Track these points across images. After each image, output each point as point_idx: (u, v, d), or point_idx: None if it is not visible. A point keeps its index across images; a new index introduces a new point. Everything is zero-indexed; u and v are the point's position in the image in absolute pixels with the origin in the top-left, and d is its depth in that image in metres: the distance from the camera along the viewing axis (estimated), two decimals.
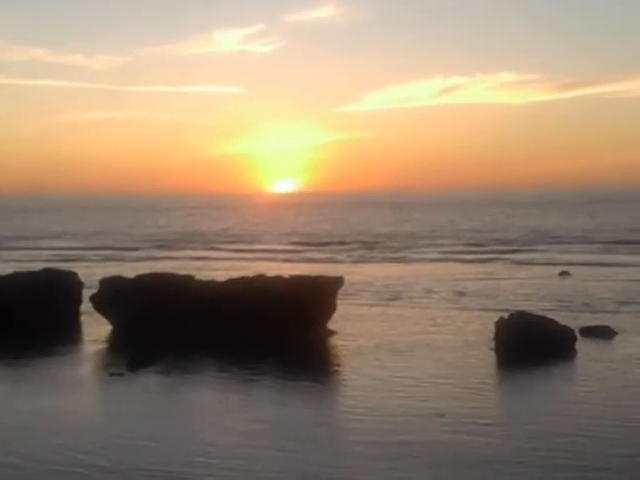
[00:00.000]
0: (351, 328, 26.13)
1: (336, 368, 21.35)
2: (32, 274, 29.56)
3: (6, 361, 22.20)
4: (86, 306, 28.58)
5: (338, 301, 26.97)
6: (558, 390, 18.48)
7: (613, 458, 12.97)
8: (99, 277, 28.78)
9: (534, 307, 27.77)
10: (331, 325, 26.28)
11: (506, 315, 23.18)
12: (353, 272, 40.07)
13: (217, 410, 16.61)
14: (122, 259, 57.65)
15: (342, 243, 73.44)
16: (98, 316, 27.55)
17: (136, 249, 68.80)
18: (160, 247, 71.84)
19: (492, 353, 21.87)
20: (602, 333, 24.52)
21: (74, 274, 30.04)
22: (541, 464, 12.76)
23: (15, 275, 29.40)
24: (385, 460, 13.13)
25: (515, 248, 63.68)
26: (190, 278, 27.86)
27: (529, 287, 37.14)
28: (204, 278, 28.78)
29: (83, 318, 28.63)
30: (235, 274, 28.71)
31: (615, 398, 16.99)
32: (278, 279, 26.79)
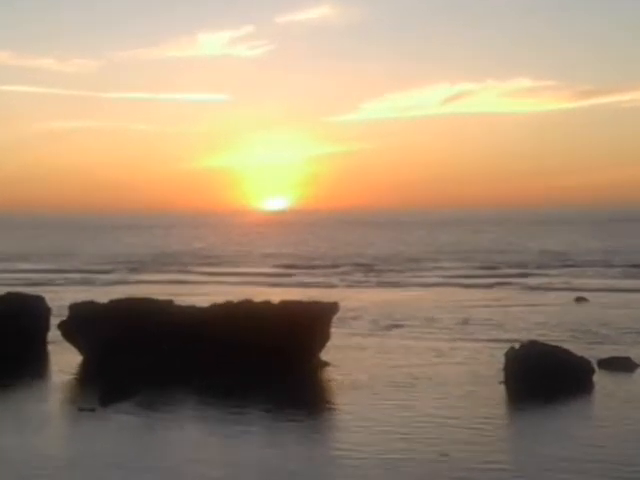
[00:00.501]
0: (346, 359, 26.08)
1: (329, 404, 21.23)
2: None
3: None
4: (54, 334, 28.47)
5: (332, 329, 27.00)
6: (575, 431, 18.32)
7: None
8: (68, 302, 28.65)
9: (547, 336, 27.77)
10: (324, 355, 26.18)
11: (517, 345, 23.13)
12: (348, 297, 39.98)
13: (196, 452, 16.45)
14: (94, 282, 57.48)
15: (336, 266, 73.37)
16: (67, 345, 27.41)
17: (110, 271, 68.68)
18: (136, 269, 71.77)
19: (501, 387, 21.82)
20: (622, 365, 24.51)
21: (41, 299, 29.94)
22: None
23: None
24: None
25: (526, 271, 63.68)
26: (169, 303, 27.79)
27: (542, 314, 37.12)
28: (184, 304, 28.67)
29: (51, 347, 28.55)
30: (219, 299, 28.61)
31: (631, 438, 16.89)
32: (266, 305, 26.73)
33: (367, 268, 69.89)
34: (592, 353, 24.90)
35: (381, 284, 55.75)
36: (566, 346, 24.36)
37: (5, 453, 16.20)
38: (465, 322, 34.32)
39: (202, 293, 44.07)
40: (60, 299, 33.43)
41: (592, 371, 22.76)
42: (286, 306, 26.67)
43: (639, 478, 14.33)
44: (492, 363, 24.27)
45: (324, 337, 26.52)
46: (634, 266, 66.48)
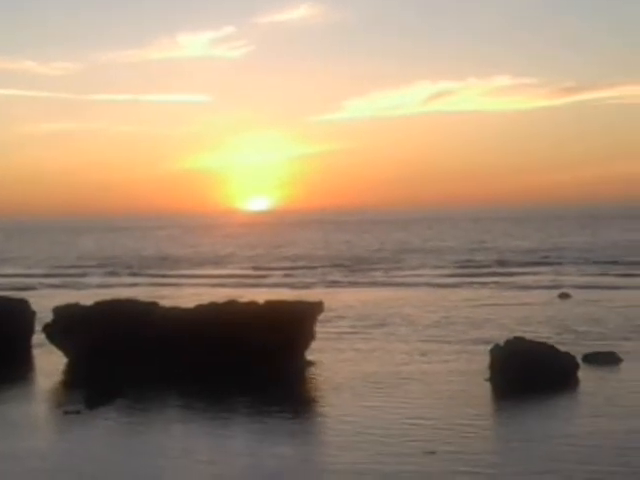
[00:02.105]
0: (331, 359, 26.07)
1: (316, 404, 21.19)
2: None
3: None
4: (38, 337, 28.43)
5: (317, 328, 26.99)
6: (559, 428, 18.21)
7: None
8: (53, 305, 28.51)
9: (532, 333, 27.78)
10: (309, 355, 26.18)
11: (502, 342, 23.13)
12: (331, 297, 39.81)
13: (183, 455, 16.31)
14: (78, 285, 57.31)
15: (320, 266, 73.38)
16: (52, 347, 27.34)
17: (93, 274, 68.57)
18: (120, 272, 71.62)
19: (487, 384, 21.82)
20: (607, 360, 24.58)
21: (25, 302, 29.88)
22: None
23: None
24: None
25: (510, 270, 63.75)
26: (154, 305, 27.70)
27: (526, 311, 37.20)
28: (169, 305, 28.64)
29: (35, 350, 28.48)
30: (203, 300, 28.59)
31: (621, 440, 16.61)
32: (251, 305, 26.70)
33: (352, 267, 69.85)
34: (576, 349, 24.87)
35: (365, 283, 55.62)
36: (551, 342, 24.47)
37: None
38: (449, 320, 34.25)
39: (186, 294, 44.05)
40: (45, 302, 33.21)
41: (577, 366, 22.81)
42: (271, 306, 26.62)
43: (626, 472, 14.28)
44: (477, 361, 24.27)
45: (309, 336, 26.48)
46: (617, 263, 66.78)
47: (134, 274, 68.15)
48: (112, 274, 68.95)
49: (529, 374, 21.66)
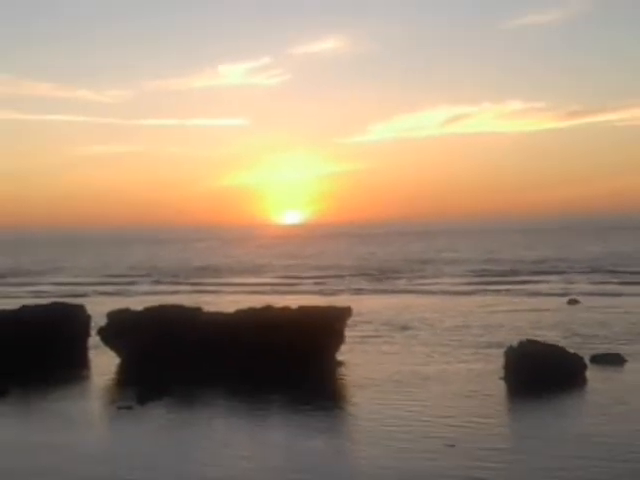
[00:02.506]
0: (359, 360, 26.01)
1: (345, 402, 21.14)
2: (40, 307, 29.55)
3: (17, 396, 22.01)
4: (94, 339, 28.58)
5: (346, 331, 26.98)
6: (569, 423, 18.18)
7: None
8: (106, 310, 28.71)
9: (543, 336, 27.60)
10: (339, 356, 26.20)
11: (515, 344, 23.06)
12: (358, 304, 39.75)
13: (226, 445, 16.40)
14: (127, 293, 57.64)
15: (348, 275, 73.36)
16: (106, 349, 27.51)
17: (140, 282, 68.92)
18: (164, 280, 71.97)
19: (501, 383, 21.74)
20: (612, 361, 24.44)
21: (82, 307, 29.99)
22: None
23: (24, 309, 29.41)
24: None
25: (522, 278, 63.49)
26: (198, 310, 27.83)
27: (537, 316, 36.99)
28: (212, 310, 28.76)
29: (91, 351, 28.60)
30: (242, 305, 28.65)
31: (629, 437, 16.47)
32: (286, 310, 26.75)
33: (373, 277, 69.68)
34: (584, 350, 24.72)
35: (387, 291, 55.41)
36: (560, 344, 24.31)
37: (51, 449, 16.21)
38: (465, 325, 34.13)
39: (226, 301, 44.10)
40: (98, 308, 33.41)
41: (585, 367, 22.67)
42: (303, 311, 26.66)
43: (636, 468, 14.20)
44: (492, 362, 24.17)
45: (339, 339, 26.51)
46: (622, 271, 66.31)
47: (177, 282, 68.25)
48: (157, 282, 69.21)
49: (540, 374, 21.56)
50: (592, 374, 22.45)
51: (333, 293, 53.80)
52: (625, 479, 13.50)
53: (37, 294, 53.24)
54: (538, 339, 24.37)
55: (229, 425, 18.33)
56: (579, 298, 44.48)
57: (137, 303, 31.93)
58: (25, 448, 16.41)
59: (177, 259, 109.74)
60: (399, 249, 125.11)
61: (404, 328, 33.54)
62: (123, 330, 26.99)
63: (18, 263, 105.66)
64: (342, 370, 24.56)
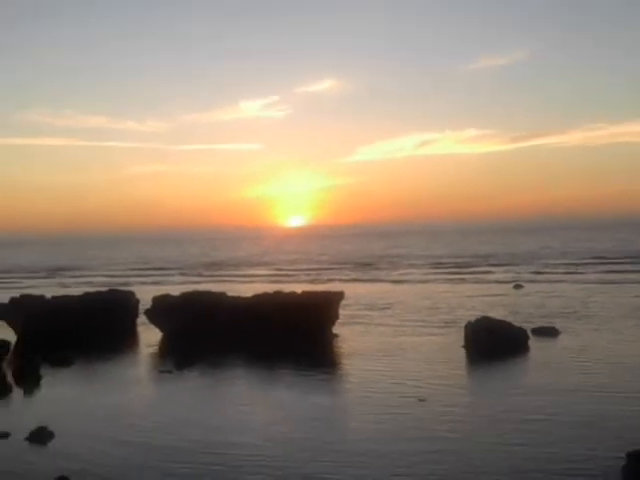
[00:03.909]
0: (349, 333, 26.02)
1: (340, 364, 21.14)
2: (100, 294, 29.65)
3: (83, 364, 22.10)
4: (141, 318, 28.63)
5: (340, 311, 27.02)
6: (516, 377, 18.36)
7: (559, 429, 13.05)
8: (151, 295, 28.81)
9: (495, 313, 27.65)
10: (335, 330, 26.24)
11: (473, 320, 23.13)
12: (349, 289, 39.84)
13: (244, 401, 16.45)
14: (165, 282, 57.24)
15: (340, 267, 73.32)
16: (151, 326, 27.60)
17: (178, 273, 68.74)
18: (197, 270, 71.77)
19: (462, 351, 21.80)
20: (549, 332, 24.50)
21: (132, 293, 30.11)
22: (501, 436, 12.83)
23: (86, 295, 29.47)
24: (383, 433, 13.13)
25: (479, 269, 63.52)
26: (223, 294, 27.89)
27: (490, 298, 37.04)
28: (234, 294, 28.78)
29: (139, 328, 28.67)
30: (258, 291, 28.66)
31: (559, 383, 16.79)
32: (293, 294, 26.79)
33: (360, 268, 69.52)
34: (527, 324, 24.82)
35: (371, 280, 55.10)
36: (508, 320, 24.36)
37: (109, 407, 16.23)
38: (433, 306, 34.13)
39: (244, 287, 44.07)
40: (146, 293, 33.43)
41: (527, 337, 22.75)
42: (306, 295, 26.73)
43: (568, 413, 14.27)
44: (455, 334, 24.23)
45: (334, 316, 26.57)
46: (557, 264, 66.38)
47: (200, 275, 67.03)
48: (187, 274, 68.40)
49: (493, 343, 21.61)
50: (533, 343, 22.51)
51: (329, 281, 53.73)
52: (556, 409, 13.66)
53: (93, 284, 53.12)
54: (490, 316, 24.41)
55: (249, 386, 18.34)
56: (523, 284, 44.52)
57: (174, 290, 31.94)
58: (85, 406, 16.42)
59: (204, 254, 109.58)
60: (381, 246, 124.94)
61: (384, 309, 33.55)
62: (164, 311, 27.04)
63: (81, 259, 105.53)
64: (337, 341, 24.60)
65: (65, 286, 53.92)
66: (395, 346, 22.85)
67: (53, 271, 77.43)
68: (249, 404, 15.95)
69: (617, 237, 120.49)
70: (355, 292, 39.99)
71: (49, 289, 43.72)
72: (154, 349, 24.70)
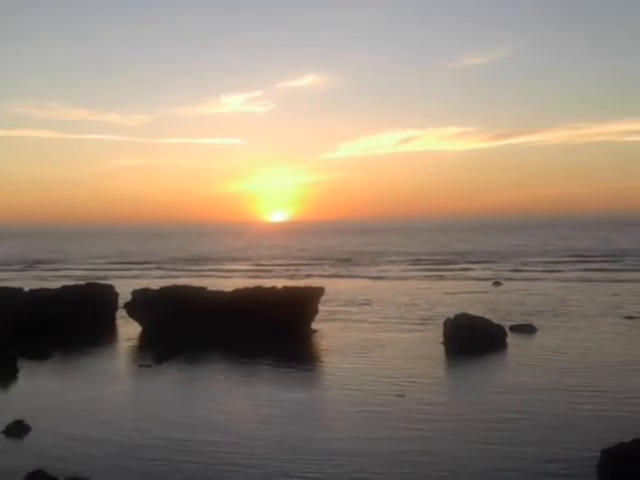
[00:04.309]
0: (328, 328, 26.00)
1: (319, 360, 21.12)
2: (78, 287, 29.41)
3: (60, 357, 21.95)
4: (121, 312, 28.49)
5: (319, 306, 26.97)
6: (494, 374, 18.44)
7: (537, 425, 13.13)
8: (131, 289, 28.63)
9: (474, 310, 27.69)
10: (314, 325, 26.19)
11: (452, 316, 23.20)
12: (328, 285, 39.82)
13: (226, 396, 16.43)
14: (144, 275, 57.03)
15: (319, 262, 73.29)
16: (130, 320, 27.41)
17: (152, 268, 68.11)
18: (177, 265, 71.45)
19: (441, 347, 21.83)
20: (527, 330, 24.62)
21: (111, 287, 29.94)
22: (478, 431, 12.89)
23: (65, 288, 29.23)
24: (362, 426, 13.14)
25: (458, 266, 63.67)
26: (203, 289, 27.76)
27: (469, 295, 37.17)
28: (214, 289, 28.65)
29: (119, 321, 28.48)
30: (238, 285, 28.56)
31: (535, 381, 16.85)
32: (273, 289, 26.72)
33: (340, 264, 69.23)
34: (505, 322, 24.88)
35: (350, 276, 54.74)
36: (487, 317, 24.40)
37: (86, 400, 16.15)
38: (412, 302, 34.10)
39: (224, 282, 43.97)
40: (125, 287, 33.22)
41: (505, 334, 22.84)
42: (286, 290, 26.67)
43: (544, 411, 14.36)
44: (434, 330, 24.27)
45: (314, 312, 26.52)
46: (535, 262, 66.75)
47: (180, 269, 66.20)
48: (167, 268, 67.88)
49: (471, 340, 21.67)
50: (511, 340, 22.61)
51: (308, 276, 53.63)
52: (532, 407, 13.74)
53: (71, 277, 52.67)
54: (469, 313, 24.44)
55: (228, 380, 18.25)
56: (502, 281, 44.73)
57: (153, 284, 31.77)
58: (63, 400, 16.30)
59: (184, 249, 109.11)
60: (361, 242, 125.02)
61: (363, 304, 33.50)
62: (144, 305, 26.89)
63: (60, 252, 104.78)
64: (316, 337, 24.57)
65: (43, 279, 53.46)
66: (374, 342, 22.85)
67: (31, 264, 76.78)
68: (227, 401, 15.87)
69: (598, 235, 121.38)
70: (334, 288, 39.89)
71: (26, 282, 43.31)
72: (133, 343, 24.55)
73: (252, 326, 24.79)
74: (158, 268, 67.49)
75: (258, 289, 26.66)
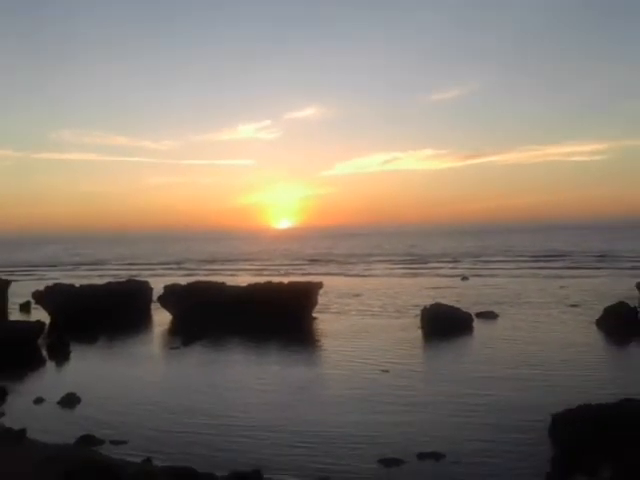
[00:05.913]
0: (326, 317, 25.97)
1: (319, 343, 21.08)
2: (120, 283, 29.43)
3: (106, 341, 21.97)
4: (155, 304, 28.48)
5: (319, 298, 26.93)
6: (462, 352, 18.44)
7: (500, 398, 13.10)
8: (163, 284, 28.57)
9: (446, 300, 27.72)
10: (314, 314, 26.19)
11: (428, 306, 23.23)
12: (325, 281, 39.72)
13: (241, 372, 16.43)
14: (170, 275, 56.85)
15: (319, 262, 73.16)
16: (163, 310, 27.38)
17: (185, 267, 68.08)
18: (201, 264, 71.23)
19: (419, 331, 21.85)
20: (489, 316, 24.66)
21: (147, 282, 29.99)
22: (450, 399, 12.88)
23: (109, 284, 29.21)
24: (355, 399, 13.14)
25: (432, 265, 63.61)
26: (222, 284, 27.76)
27: (442, 288, 37.23)
28: (232, 284, 28.63)
29: (153, 311, 28.45)
30: (251, 281, 28.52)
31: (497, 357, 16.88)
32: (280, 284, 26.69)
33: (336, 264, 69.27)
34: (472, 309, 24.88)
35: (344, 274, 54.66)
36: (456, 306, 24.41)
37: (126, 377, 16.13)
38: (395, 295, 34.07)
39: (240, 279, 43.86)
40: (158, 282, 33.13)
41: (472, 319, 22.88)
42: (292, 284, 26.66)
43: (494, 374, 14.32)
44: (413, 317, 24.28)
45: (314, 302, 26.53)
46: (497, 260, 66.61)
47: (202, 268, 65.57)
48: (198, 265, 67.90)
49: (444, 324, 21.71)
50: (477, 324, 22.63)
51: (309, 273, 53.52)
52: (495, 381, 13.72)
53: (108, 276, 52.55)
54: (442, 302, 24.47)
55: (244, 360, 18.23)
56: (468, 277, 44.69)
57: (180, 280, 31.71)
58: (107, 376, 16.28)
59: (205, 251, 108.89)
60: (353, 245, 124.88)
61: (355, 297, 33.48)
62: (174, 297, 26.88)
63: (102, 254, 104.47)
64: (316, 323, 24.56)
65: (88, 278, 53.24)
66: (364, 327, 22.84)
67: (78, 265, 76.63)
68: (243, 376, 15.86)
69: (553, 238, 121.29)
70: (331, 283, 39.83)
71: (77, 280, 43.17)
72: (164, 329, 24.51)
73: (263, 314, 24.78)
74: (182, 267, 67.31)
75: (268, 284, 26.64)
